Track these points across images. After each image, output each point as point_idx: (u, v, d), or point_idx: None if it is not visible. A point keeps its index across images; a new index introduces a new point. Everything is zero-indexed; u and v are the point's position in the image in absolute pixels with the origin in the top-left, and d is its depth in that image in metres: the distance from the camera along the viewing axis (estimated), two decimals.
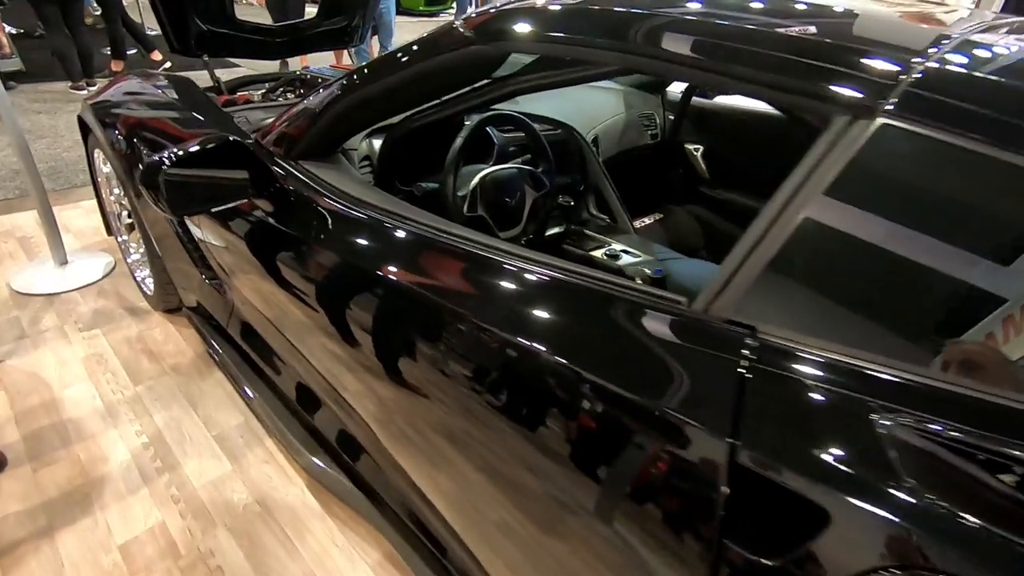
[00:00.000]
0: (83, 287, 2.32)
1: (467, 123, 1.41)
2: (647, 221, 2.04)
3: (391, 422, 1.09)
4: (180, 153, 1.02)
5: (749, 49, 0.69)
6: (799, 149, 0.63)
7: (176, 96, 1.82)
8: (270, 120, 1.72)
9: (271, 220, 1.21)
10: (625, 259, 1.57)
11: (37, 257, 2.49)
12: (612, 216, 1.82)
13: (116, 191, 2.11)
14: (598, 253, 1.60)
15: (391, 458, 1.14)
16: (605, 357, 0.70)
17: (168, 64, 5.69)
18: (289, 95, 2.23)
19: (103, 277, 2.39)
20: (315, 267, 1.14)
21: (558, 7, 0.90)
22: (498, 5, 0.96)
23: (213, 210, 1.28)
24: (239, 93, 2.48)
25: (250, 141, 1.13)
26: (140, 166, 1.06)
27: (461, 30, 0.95)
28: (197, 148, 1.04)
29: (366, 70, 1.16)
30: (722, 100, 2.11)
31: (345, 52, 5.09)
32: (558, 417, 0.73)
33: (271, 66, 4.53)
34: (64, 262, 2.38)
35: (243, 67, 5.62)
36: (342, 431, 1.38)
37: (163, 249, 1.85)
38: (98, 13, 5.13)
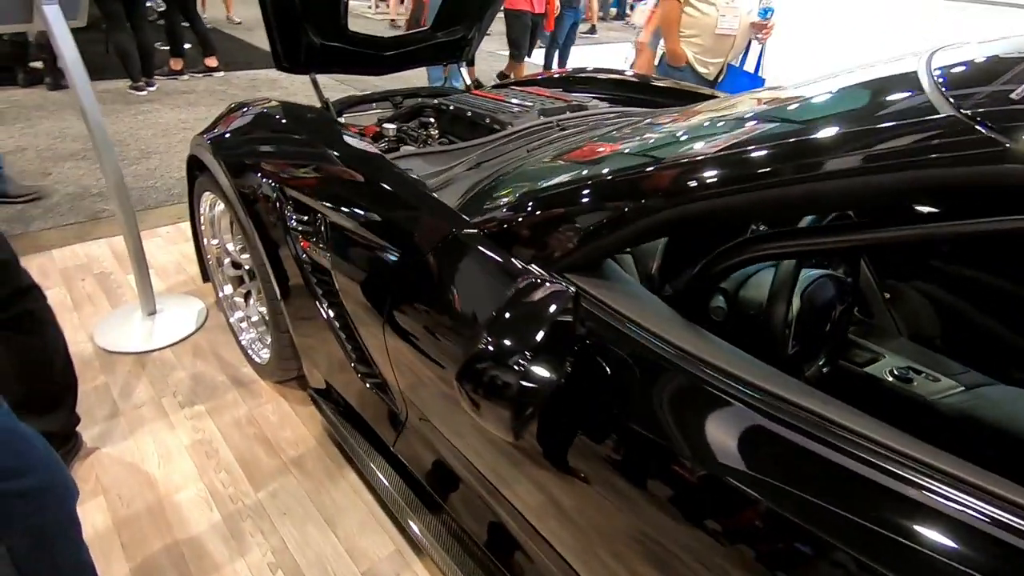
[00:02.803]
0: (176, 343, 2.00)
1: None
2: None
3: None
4: (541, 335, 0.65)
5: None
6: None
7: (316, 137, 1.48)
8: (444, 171, 1.37)
9: None
10: (922, 384, 1.19)
11: (121, 303, 2.18)
12: (865, 307, 1.44)
13: (229, 245, 1.78)
14: (880, 372, 1.22)
15: None
16: None
17: (222, 73, 5.37)
18: (429, 127, 1.88)
19: (196, 330, 2.07)
20: (617, 436, 0.78)
21: None
22: None
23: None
24: (357, 119, 2.15)
25: (568, 289, 0.74)
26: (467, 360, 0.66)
27: (984, 130, 0.57)
28: (546, 327, 0.66)
29: (724, 153, 0.77)
30: None
31: None
32: None
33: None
34: (153, 311, 2.07)
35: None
36: None
37: (297, 326, 1.51)
38: (161, 9, 4.83)
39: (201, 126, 4.71)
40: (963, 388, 1.19)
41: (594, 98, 2.06)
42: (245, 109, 1.71)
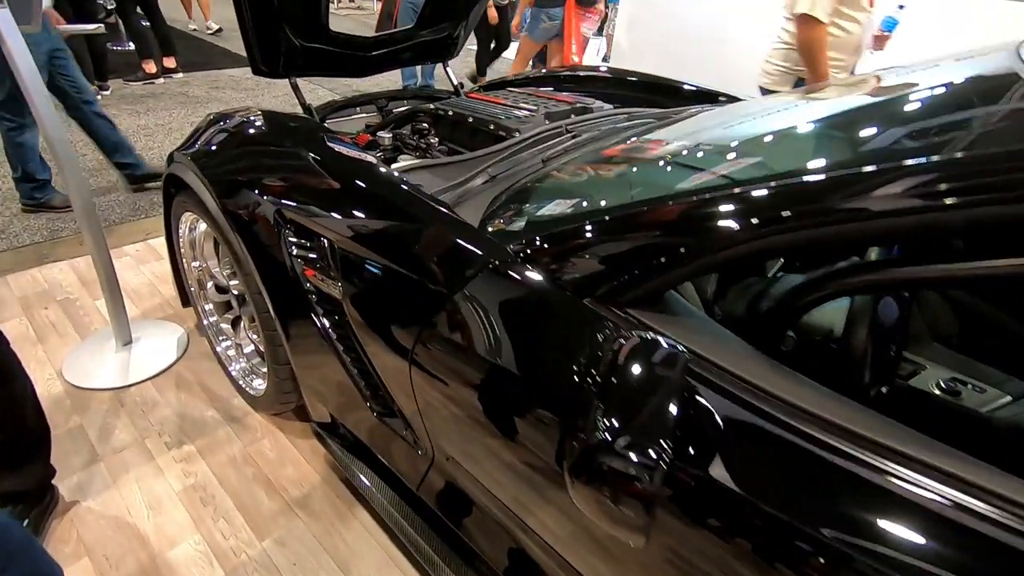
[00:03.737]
0: (157, 375, 1.84)
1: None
2: None
3: None
4: (673, 418, 0.56)
5: None
6: None
7: (309, 149, 1.35)
8: (456, 186, 1.27)
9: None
10: (970, 395, 1.15)
11: (91, 332, 2.00)
12: None
13: (215, 268, 1.63)
14: (927, 385, 1.17)
15: None
16: None
17: (180, 74, 5.07)
18: (427, 135, 1.76)
19: (178, 359, 1.91)
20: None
21: None
22: None
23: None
24: (341, 125, 2.02)
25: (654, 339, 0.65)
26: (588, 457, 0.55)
27: None
28: (677, 408, 0.56)
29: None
30: None
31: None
32: None
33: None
34: (128, 341, 1.90)
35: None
36: None
37: (299, 358, 1.39)
38: (111, 7, 4.54)
39: (163, 132, 4.43)
40: (1010, 398, 1.15)
41: (588, 97, 1.97)
42: (224, 121, 1.56)
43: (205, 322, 1.80)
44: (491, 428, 0.94)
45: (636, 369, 0.57)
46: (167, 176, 1.55)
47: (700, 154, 0.98)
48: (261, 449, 1.62)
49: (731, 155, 0.91)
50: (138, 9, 4.63)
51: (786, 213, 0.68)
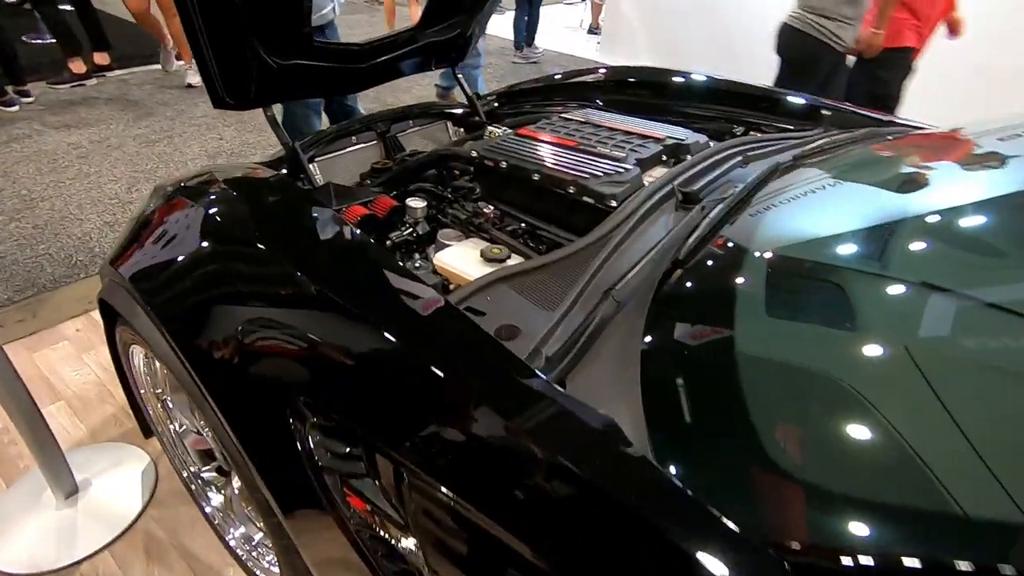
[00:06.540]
0: (117, 538, 1.35)
1: None
2: None
3: None
4: None
5: None
6: None
7: (314, 254, 0.87)
8: (559, 328, 0.81)
9: None
10: None
11: (20, 473, 1.48)
12: None
13: (191, 426, 1.14)
14: None
15: None
16: None
17: (116, 71, 4.32)
18: (471, 197, 1.27)
19: (146, 507, 1.41)
20: None
21: None
22: None
23: None
24: (332, 167, 1.53)
25: None
26: None
27: None
28: None
29: None
30: None
31: None
32: None
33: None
34: (73, 490, 1.40)
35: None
36: None
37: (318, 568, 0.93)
38: None
39: (100, 152, 3.70)
40: None
41: (664, 120, 1.49)
42: (174, 205, 1.05)
43: (184, 473, 1.31)
44: None
45: None
46: (101, 302, 1.04)
47: None
48: None
49: None
50: None
51: None
